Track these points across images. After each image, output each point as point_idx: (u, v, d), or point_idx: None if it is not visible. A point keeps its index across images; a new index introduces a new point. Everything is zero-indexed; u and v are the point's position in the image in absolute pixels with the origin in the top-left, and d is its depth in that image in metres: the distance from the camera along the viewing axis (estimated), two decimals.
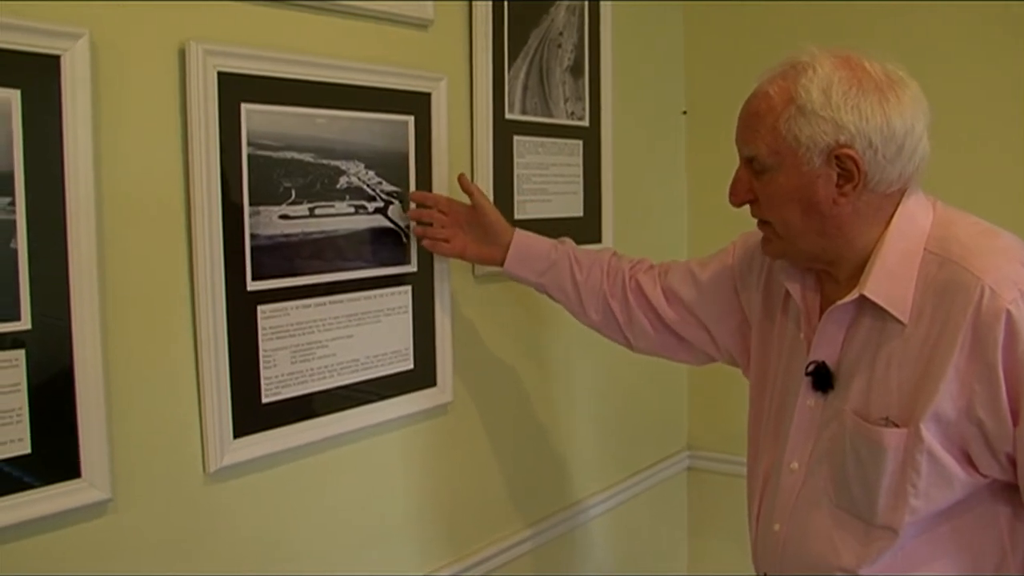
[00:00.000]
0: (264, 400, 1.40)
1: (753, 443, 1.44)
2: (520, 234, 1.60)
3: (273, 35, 1.39)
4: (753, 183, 1.24)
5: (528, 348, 1.95)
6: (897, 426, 1.16)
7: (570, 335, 2.02)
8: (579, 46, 1.97)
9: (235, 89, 1.32)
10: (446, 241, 1.60)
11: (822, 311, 1.28)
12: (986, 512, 1.19)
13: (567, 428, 2.07)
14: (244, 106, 1.34)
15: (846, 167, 1.15)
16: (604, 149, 2.06)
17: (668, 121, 2.43)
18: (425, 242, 1.60)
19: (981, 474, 1.16)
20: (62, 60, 1.13)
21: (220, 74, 1.30)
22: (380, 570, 1.61)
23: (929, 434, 1.13)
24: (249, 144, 1.35)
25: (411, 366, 1.64)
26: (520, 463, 1.94)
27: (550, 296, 1.64)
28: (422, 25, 1.62)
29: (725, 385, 2.41)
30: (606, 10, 2.03)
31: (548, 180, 1.91)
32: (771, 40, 2.29)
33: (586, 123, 2.01)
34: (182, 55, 1.27)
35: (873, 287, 1.18)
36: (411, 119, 1.60)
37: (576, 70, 1.97)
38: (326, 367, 1.49)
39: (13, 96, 1.10)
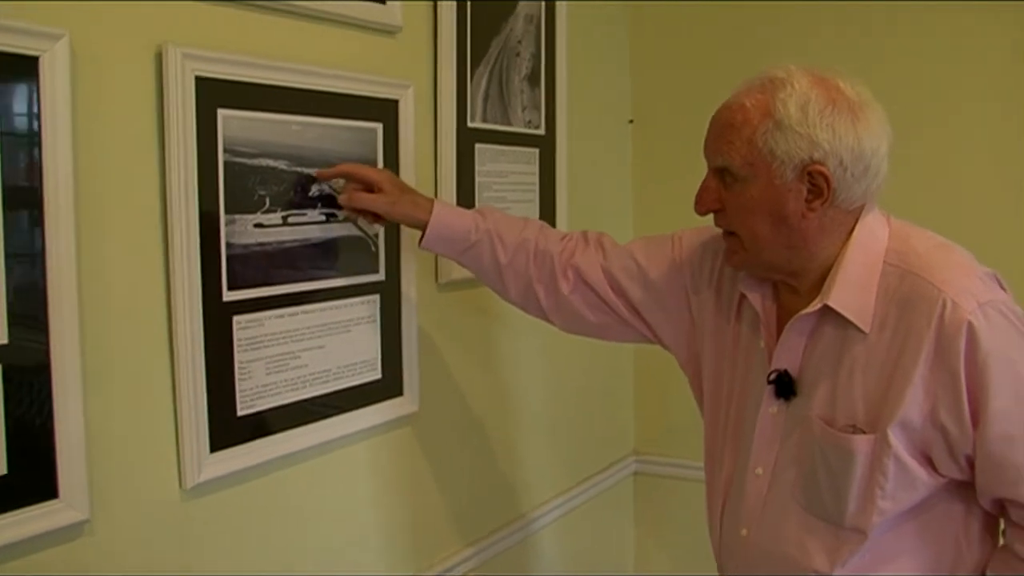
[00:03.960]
0: (239, 413, 1.37)
1: (711, 450, 1.45)
2: (440, 210, 1.49)
3: (245, 39, 1.36)
4: (722, 193, 1.26)
5: (486, 355, 1.95)
6: (864, 432, 1.20)
7: (523, 341, 2.04)
8: (536, 55, 1.99)
9: (212, 94, 1.29)
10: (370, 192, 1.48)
11: (779, 320, 1.32)
12: (944, 510, 1.25)
13: (522, 435, 2.08)
14: (221, 112, 1.30)
15: (816, 183, 1.19)
16: (559, 157, 2.08)
17: (615, 130, 2.46)
18: (343, 197, 1.47)
19: (940, 475, 1.21)
20: (41, 61, 1.08)
21: (198, 79, 1.26)
22: None
23: (896, 439, 1.18)
24: (225, 151, 1.32)
25: (379, 376, 1.62)
26: (479, 473, 1.94)
27: (470, 271, 1.59)
28: (390, 32, 1.61)
29: (670, 389, 2.45)
30: (561, 20, 2.05)
31: (507, 188, 1.92)
32: (714, 54, 2.37)
33: (542, 131, 2.03)
34: (159, 58, 1.23)
35: (836, 297, 1.22)
36: (380, 127, 1.58)
37: (533, 79, 1.99)
38: (299, 378, 1.46)
39: None
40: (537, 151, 2.02)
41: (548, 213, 2.06)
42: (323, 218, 1.48)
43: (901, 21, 2.16)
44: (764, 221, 1.22)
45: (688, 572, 2.50)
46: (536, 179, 2.02)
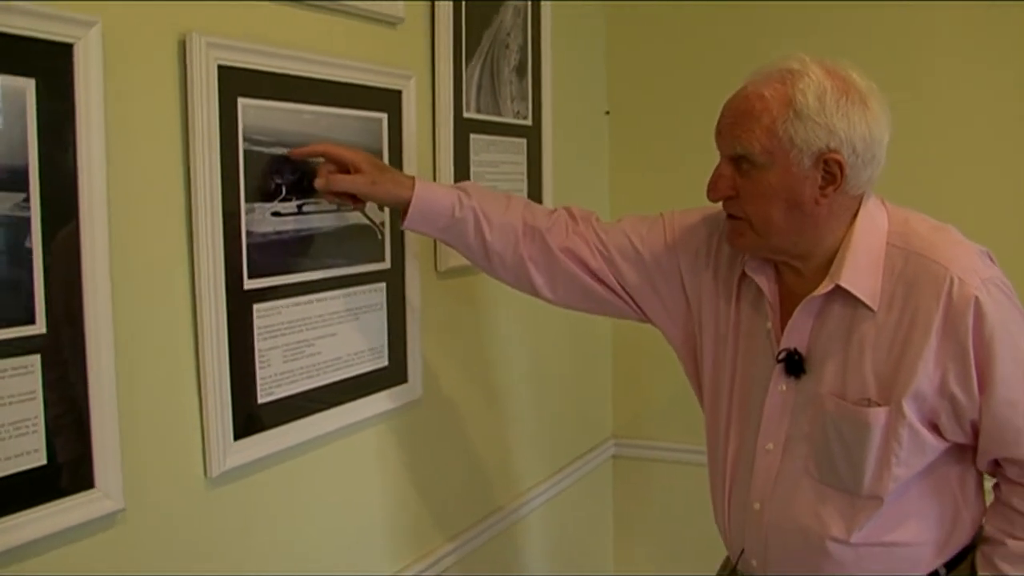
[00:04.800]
0: (260, 401, 1.37)
1: (713, 429, 1.50)
2: (422, 186, 1.45)
3: (260, 28, 1.36)
4: (737, 180, 1.30)
5: (476, 342, 1.98)
6: (880, 405, 1.27)
7: (508, 327, 2.07)
8: (523, 47, 2.02)
9: (233, 83, 1.29)
10: (347, 171, 1.41)
11: (782, 300, 1.38)
12: (944, 472, 1.33)
13: (510, 420, 2.12)
14: (241, 100, 1.31)
15: (831, 170, 1.25)
16: (544, 148, 2.12)
17: (594, 120, 2.51)
18: (319, 181, 1.40)
19: (945, 440, 1.30)
20: (76, 48, 1.08)
21: (220, 67, 1.26)
22: (360, 569, 1.60)
23: (909, 409, 1.25)
24: (245, 139, 1.32)
25: (386, 363, 1.64)
26: (473, 460, 1.97)
27: (452, 247, 1.56)
28: (392, 23, 1.62)
29: (648, 372, 2.53)
30: (546, 11, 2.08)
31: (498, 177, 1.95)
32: (686, 49, 2.45)
33: (529, 122, 2.06)
34: (182, 46, 1.23)
35: (847, 278, 1.28)
36: (384, 116, 1.60)
37: (521, 70, 2.02)
38: (313, 366, 1.47)
39: (28, 86, 1.04)
40: (525, 141, 2.05)
41: (535, 200, 2.07)
42: (334, 207, 1.48)
43: (871, 16, 2.24)
44: (779, 207, 1.27)
45: (667, 555, 2.56)
46: (524, 168, 2.06)
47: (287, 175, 1.39)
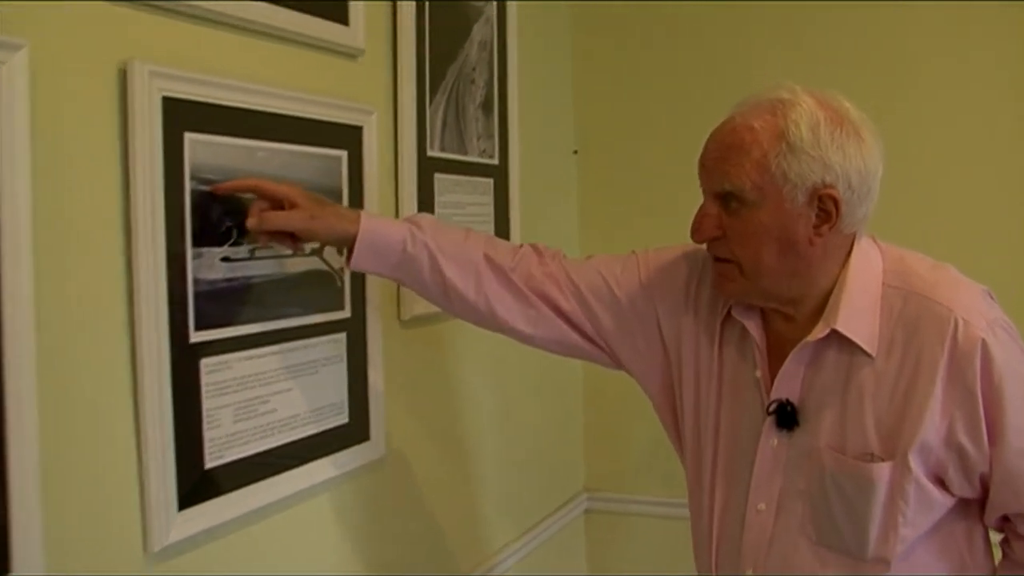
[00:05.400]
0: (207, 465, 1.24)
1: (696, 485, 1.38)
2: (368, 219, 1.31)
3: (210, 58, 1.25)
4: (724, 219, 1.21)
5: (443, 394, 1.87)
6: (883, 459, 1.17)
7: (477, 378, 1.96)
8: (489, 83, 1.93)
9: (179, 116, 1.18)
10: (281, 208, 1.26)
11: (770, 346, 1.28)
12: (950, 530, 1.23)
13: (479, 477, 1.99)
14: (188, 135, 1.19)
15: (826, 207, 1.16)
16: (512, 188, 2.02)
17: (562, 160, 2.43)
18: (251, 221, 1.25)
19: (952, 495, 1.20)
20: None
21: (165, 99, 1.15)
22: None
23: (915, 464, 1.16)
24: (192, 178, 1.20)
25: (346, 420, 1.51)
26: (441, 521, 1.84)
27: (407, 287, 1.45)
28: (352, 55, 1.53)
29: (624, 419, 2.43)
30: (512, 46, 2.00)
31: (464, 219, 1.85)
32: (659, 84, 2.38)
33: (496, 161, 1.97)
34: (122, 75, 1.12)
35: (843, 322, 1.19)
36: (344, 154, 1.49)
37: (487, 107, 1.93)
38: (267, 425, 1.34)
39: None
40: (492, 181, 1.96)
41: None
42: (289, 251, 1.37)
43: (843, 57, 2.20)
44: (770, 247, 1.18)
45: None
46: (491, 210, 1.96)
47: (239, 216, 1.28)
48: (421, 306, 1.63)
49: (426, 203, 1.72)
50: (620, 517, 2.47)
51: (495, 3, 1.94)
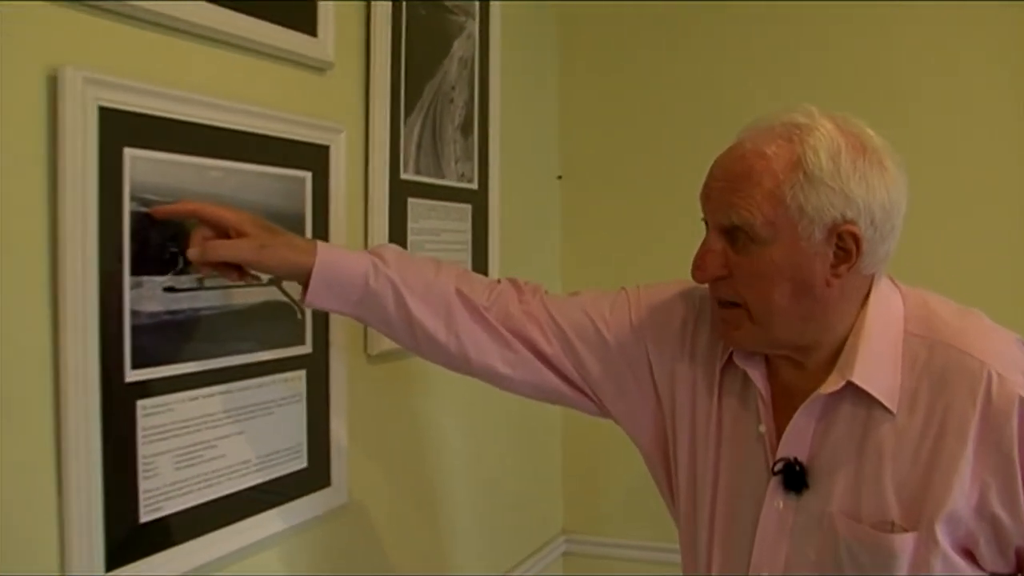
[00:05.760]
0: (142, 519, 1.11)
1: (690, 549, 1.25)
2: (326, 250, 1.17)
3: (157, 66, 1.13)
4: (730, 256, 1.08)
5: (414, 435, 1.74)
6: (905, 530, 1.05)
7: (451, 418, 1.84)
8: (469, 103, 1.82)
9: (118, 129, 1.06)
10: (227, 237, 1.13)
11: (774, 399, 1.16)
12: None
13: (452, 522, 1.86)
14: (128, 151, 1.07)
15: (845, 245, 1.05)
16: (491, 215, 1.90)
17: (545, 185, 2.32)
18: (193, 251, 1.10)
19: (982, 569, 1.07)
20: None
21: (102, 109, 1.03)
22: None
23: (942, 535, 1.03)
24: (132, 199, 1.08)
25: (305, 464, 1.38)
26: (410, 569, 1.70)
27: (370, 326, 1.33)
28: (320, 69, 1.41)
29: (604, 458, 2.32)
30: (495, 64, 1.89)
31: (440, 247, 1.73)
32: (648, 108, 2.28)
33: (475, 186, 1.85)
34: (52, 82, 0.99)
35: (861, 373, 1.06)
36: (309, 175, 1.37)
37: (466, 128, 1.81)
38: (214, 472, 1.21)
39: None
40: (470, 207, 1.84)
41: (480, 273, 1.85)
42: (244, 281, 1.23)
43: (832, 71, 2.10)
44: (783, 290, 1.06)
45: None
46: (469, 237, 1.84)
47: (185, 242, 1.15)
48: (390, 341, 1.50)
49: (398, 230, 1.60)
50: (600, 560, 2.34)
51: (477, 18, 1.83)
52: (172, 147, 1.13)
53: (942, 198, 1.98)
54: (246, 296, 1.26)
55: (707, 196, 1.10)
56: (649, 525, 2.22)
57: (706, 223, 1.12)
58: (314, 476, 1.40)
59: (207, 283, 1.19)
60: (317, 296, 1.17)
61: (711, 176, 1.10)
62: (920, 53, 2.05)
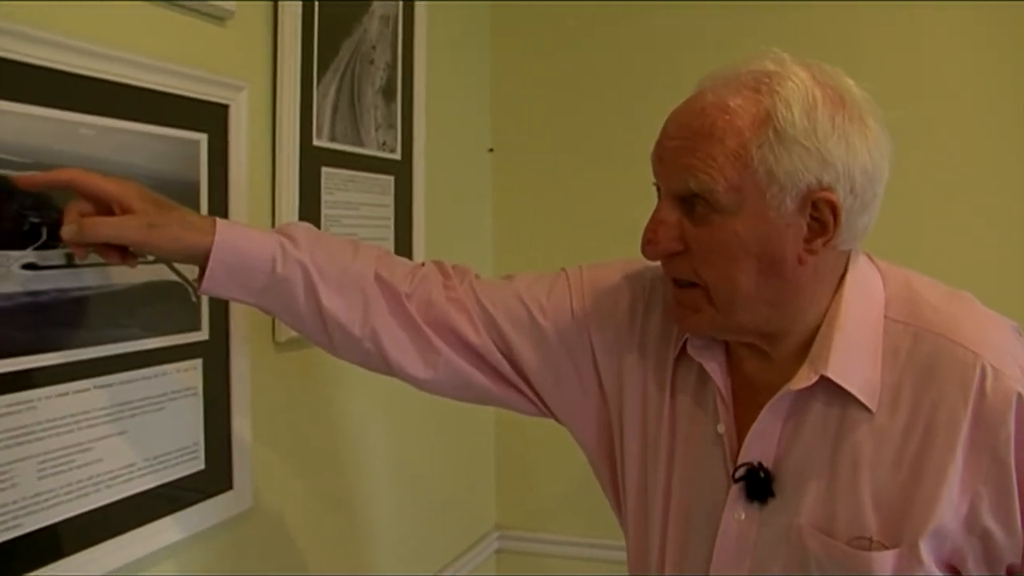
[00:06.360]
0: None
1: (640, 561, 1.13)
2: (227, 230, 1.00)
3: (21, 5, 0.96)
4: (687, 228, 0.94)
5: (330, 430, 1.58)
6: (885, 547, 0.93)
7: (372, 411, 1.69)
8: (392, 65, 1.66)
9: None
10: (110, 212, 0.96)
11: (737, 392, 1.03)
12: None
13: (370, 525, 1.71)
14: None
15: (822, 216, 0.92)
16: (416, 189, 1.75)
17: (475, 158, 2.16)
18: (68, 228, 0.94)
19: None
20: None
21: None
22: None
23: (927, 553, 0.92)
24: None
25: (202, 466, 1.23)
26: None
27: (275, 317, 1.20)
28: (219, 18, 1.24)
29: (540, 451, 2.20)
30: (421, 22, 1.74)
31: (358, 223, 1.57)
32: (588, 75, 2.13)
33: (398, 156, 1.70)
34: None
35: (836, 366, 0.94)
36: (204, 137, 1.20)
37: (389, 93, 1.66)
38: (90, 479, 1.05)
39: None
40: (393, 179, 1.68)
41: (404, 253, 1.71)
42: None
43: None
44: (749, 268, 0.92)
45: None
46: (391, 212, 1.68)
47: (51, 211, 0.98)
48: None
49: (311, 204, 1.44)
50: (535, 558, 2.22)
51: None
52: (35, 99, 0.96)
53: (928, 175, 1.86)
54: (128, 275, 1.08)
55: (660, 157, 0.96)
56: (587, 520, 2.11)
57: (658, 189, 0.98)
58: (213, 478, 1.25)
59: (79, 260, 1.02)
60: (216, 283, 1.00)
61: (665, 134, 0.95)
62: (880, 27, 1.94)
